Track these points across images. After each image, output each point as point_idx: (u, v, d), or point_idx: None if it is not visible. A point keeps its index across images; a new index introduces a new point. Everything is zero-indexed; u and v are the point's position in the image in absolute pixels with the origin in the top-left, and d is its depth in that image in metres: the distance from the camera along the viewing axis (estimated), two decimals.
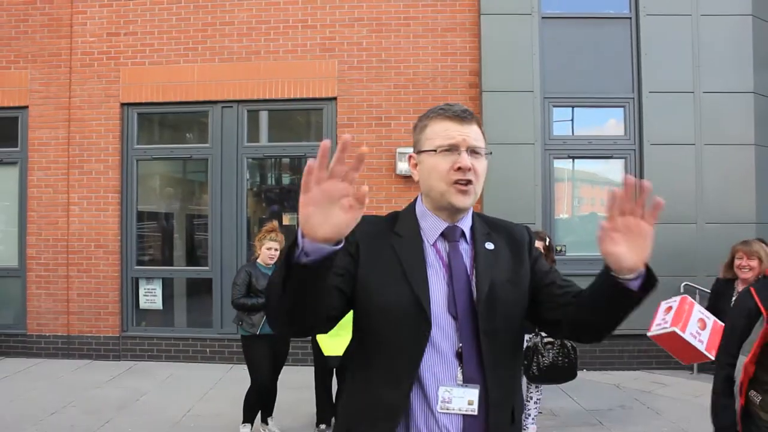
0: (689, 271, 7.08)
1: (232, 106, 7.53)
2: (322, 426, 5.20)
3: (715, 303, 4.19)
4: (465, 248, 1.59)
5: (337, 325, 5.15)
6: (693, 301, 3.80)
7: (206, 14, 7.52)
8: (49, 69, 7.66)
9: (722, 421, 2.55)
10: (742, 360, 2.50)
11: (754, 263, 3.92)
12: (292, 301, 1.29)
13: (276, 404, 5.34)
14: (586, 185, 7.98)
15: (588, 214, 7.91)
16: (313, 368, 5.31)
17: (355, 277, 1.53)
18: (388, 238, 1.56)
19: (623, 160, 7.46)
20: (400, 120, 7.32)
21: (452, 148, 1.51)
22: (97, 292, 7.62)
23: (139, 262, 7.83)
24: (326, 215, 1.17)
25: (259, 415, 5.16)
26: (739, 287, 3.98)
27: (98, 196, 7.63)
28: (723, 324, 3.65)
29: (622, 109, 7.47)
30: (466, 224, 1.61)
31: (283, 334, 1.47)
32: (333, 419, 5.27)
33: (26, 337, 7.73)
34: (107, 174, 7.62)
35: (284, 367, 6.21)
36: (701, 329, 3.64)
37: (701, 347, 3.59)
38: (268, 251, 5.03)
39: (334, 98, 7.39)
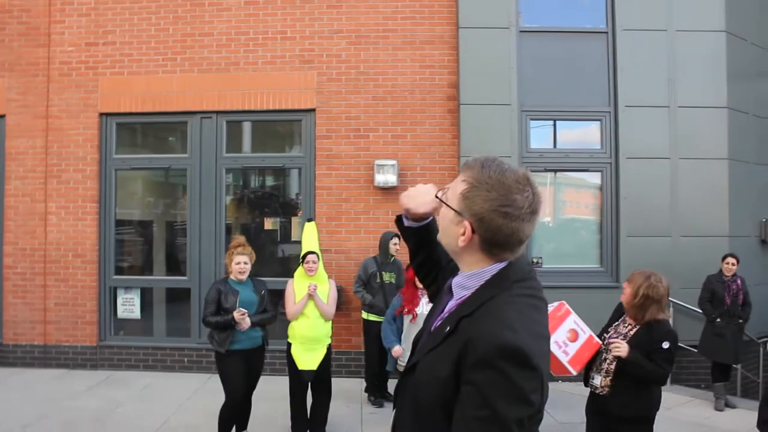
0: None
1: (211, 117, 7.54)
2: None
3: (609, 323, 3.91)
4: (449, 303, 1.58)
5: (312, 340, 5.20)
6: (570, 309, 3.55)
7: (185, 24, 7.52)
8: (26, 78, 7.62)
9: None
10: None
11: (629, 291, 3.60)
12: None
13: (253, 415, 5.35)
14: (570, 189, 8.02)
15: (570, 219, 7.96)
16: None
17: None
18: None
19: (600, 173, 7.54)
20: (379, 132, 7.36)
21: None
22: (75, 302, 7.60)
23: (118, 271, 7.82)
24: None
25: (234, 428, 5.18)
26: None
27: (76, 206, 7.60)
28: (599, 342, 3.54)
29: (598, 122, 7.55)
30: (458, 282, 1.57)
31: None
32: None
33: (2, 347, 7.70)
34: (85, 184, 7.60)
35: (261, 377, 6.14)
36: (570, 340, 3.38)
37: (564, 359, 3.34)
38: (237, 266, 5.03)
39: (313, 110, 7.41)
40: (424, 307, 4.96)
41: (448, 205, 1.53)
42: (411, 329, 5.01)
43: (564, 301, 3.58)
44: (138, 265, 8.24)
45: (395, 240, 6.48)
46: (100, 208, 7.65)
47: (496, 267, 1.49)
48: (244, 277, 5.07)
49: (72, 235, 7.60)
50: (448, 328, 1.45)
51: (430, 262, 1.92)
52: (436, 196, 1.60)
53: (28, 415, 5.88)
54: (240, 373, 4.99)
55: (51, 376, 7.30)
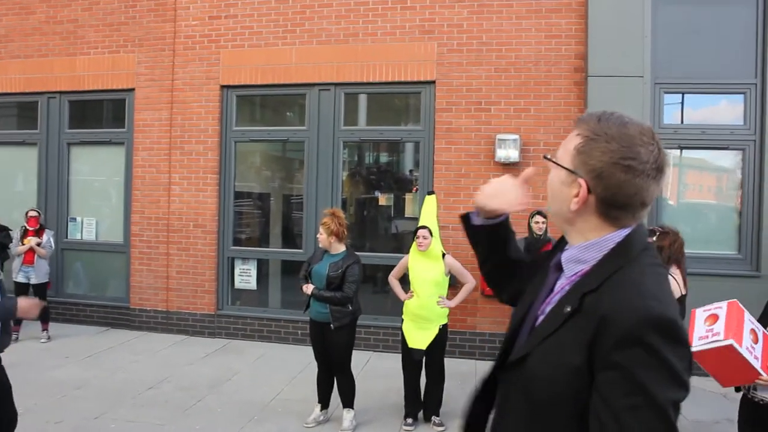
0: None
1: (329, 89, 7.49)
2: (409, 420, 5.04)
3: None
4: (559, 282, 1.37)
5: (423, 318, 4.98)
6: (742, 307, 3.01)
7: None
8: (154, 52, 7.88)
9: None
10: None
11: None
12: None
13: (365, 392, 5.27)
14: (694, 171, 7.42)
15: (694, 202, 7.37)
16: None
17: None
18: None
19: (741, 151, 6.91)
20: (501, 105, 7.06)
21: None
22: (195, 270, 7.84)
23: (236, 242, 7.98)
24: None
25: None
26: None
27: (197, 177, 7.82)
28: None
29: (742, 96, 6.91)
30: (571, 256, 1.34)
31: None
32: (421, 414, 5.16)
33: (129, 311, 8.09)
34: (206, 155, 7.78)
35: (374, 354, 6.07)
36: (754, 342, 2.88)
37: (757, 364, 2.83)
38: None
39: (433, 82, 7.20)
40: None
41: (558, 164, 1.32)
42: None
43: (736, 300, 3.05)
44: (255, 237, 8.40)
45: (537, 218, 6.23)
46: (220, 179, 7.82)
47: (621, 233, 1.27)
48: (324, 246, 4.93)
49: (193, 205, 7.83)
50: (568, 308, 1.24)
51: (504, 264, 1.66)
52: (545, 157, 1.37)
53: (152, 378, 6.12)
54: (314, 341, 5.03)
55: (172, 341, 7.59)
